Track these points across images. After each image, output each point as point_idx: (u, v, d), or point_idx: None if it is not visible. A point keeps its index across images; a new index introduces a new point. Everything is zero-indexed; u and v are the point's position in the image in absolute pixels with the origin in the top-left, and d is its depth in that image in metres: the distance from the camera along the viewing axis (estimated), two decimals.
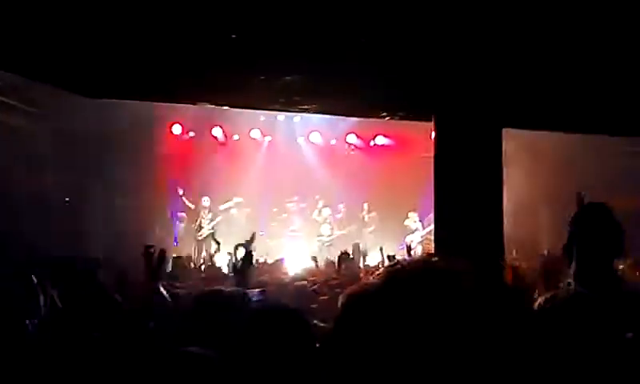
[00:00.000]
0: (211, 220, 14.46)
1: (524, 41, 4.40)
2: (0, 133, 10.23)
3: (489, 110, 4.95)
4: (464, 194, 4.86)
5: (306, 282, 5.46)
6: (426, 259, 0.82)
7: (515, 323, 0.76)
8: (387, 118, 6.28)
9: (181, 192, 14.56)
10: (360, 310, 0.75)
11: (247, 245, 5.85)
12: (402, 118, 6.57)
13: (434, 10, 3.93)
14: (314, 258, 8.86)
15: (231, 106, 9.07)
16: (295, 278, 6.48)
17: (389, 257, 7.87)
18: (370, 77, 4.94)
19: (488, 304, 0.74)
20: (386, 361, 0.67)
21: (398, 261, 0.85)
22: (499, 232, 4.87)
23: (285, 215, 15.31)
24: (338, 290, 5.76)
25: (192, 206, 14.68)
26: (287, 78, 4.83)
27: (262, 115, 14.96)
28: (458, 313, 0.70)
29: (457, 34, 4.35)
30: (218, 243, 9.54)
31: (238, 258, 5.50)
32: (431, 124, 5.11)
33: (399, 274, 0.79)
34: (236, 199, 14.85)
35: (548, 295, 2.13)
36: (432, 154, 5.07)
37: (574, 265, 2.60)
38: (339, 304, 0.82)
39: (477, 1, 3.87)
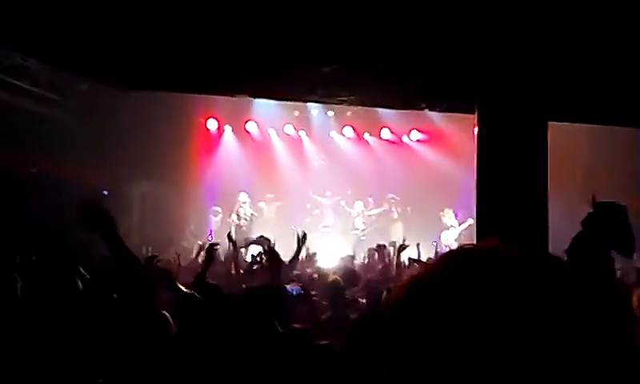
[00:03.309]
0: (245, 215, 14.45)
1: (569, 31, 4.22)
2: (32, 123, 10.33)
3: (534, 102, 4.74)
4: (507, 190, 4.68)
5: (338, 278, 5.39)
6: (490, 244, 0.72)
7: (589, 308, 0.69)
8: (427, 110, 6.12)
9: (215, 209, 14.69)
10: (421, 297, 0.66)
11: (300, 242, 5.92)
12: (443, 111, 6.41)
13: None
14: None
15: (269, 98, 9.03)
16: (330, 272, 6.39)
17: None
18: (410, 67, 4.81)
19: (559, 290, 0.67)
20: (449, 353, 0.63)
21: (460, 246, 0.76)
22: (544, 230, 4.68)
23: (317, 211, 15.23)
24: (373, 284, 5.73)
25: (218, 218, 14.69)
26: (325, 68, 4.73)
27: (295, 110, 14.92)
28: (536, 300, 0.64)
29: (501, 23, 4.20)
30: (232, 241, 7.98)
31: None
32: (472, 117, 4.95)
33: (463, 257, 0.68)
34: (269, 195, 14.90)
35: None
36: (472, 148, 4.91)
37: (592, 262, 2.55)
38: (388, 295, 0.72)
39: None
